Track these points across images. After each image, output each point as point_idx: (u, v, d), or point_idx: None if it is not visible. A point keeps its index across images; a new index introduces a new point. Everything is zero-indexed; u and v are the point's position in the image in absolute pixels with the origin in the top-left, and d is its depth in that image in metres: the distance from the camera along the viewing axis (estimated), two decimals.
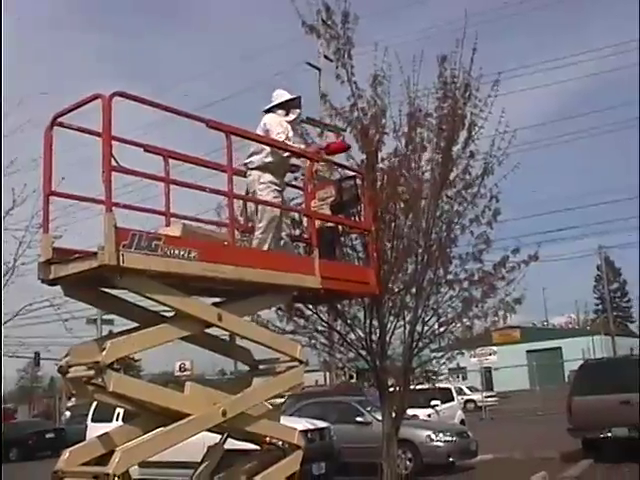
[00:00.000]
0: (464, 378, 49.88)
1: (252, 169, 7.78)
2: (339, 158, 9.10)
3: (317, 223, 8.00)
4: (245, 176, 8.00)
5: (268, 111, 8.13)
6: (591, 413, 15.70)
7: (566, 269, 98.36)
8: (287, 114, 8.13)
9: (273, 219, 7.62)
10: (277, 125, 7.85)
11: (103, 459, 6.06)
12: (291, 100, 8.18)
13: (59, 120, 6.42)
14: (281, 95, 8.19)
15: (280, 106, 8.11)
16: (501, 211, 10.03)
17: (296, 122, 8.57)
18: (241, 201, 8.20)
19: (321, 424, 15.36)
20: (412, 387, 10.83)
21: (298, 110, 8.29)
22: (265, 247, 7.52)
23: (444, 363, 10.93)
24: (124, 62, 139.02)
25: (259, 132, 7.93)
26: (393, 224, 9.81)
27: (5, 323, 14.22)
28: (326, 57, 23.94)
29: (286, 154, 7.80)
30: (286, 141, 7.80)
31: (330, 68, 13.14)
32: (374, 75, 9.94)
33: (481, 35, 9.93)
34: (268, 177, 7.73)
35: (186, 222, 7.36)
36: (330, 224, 8.68)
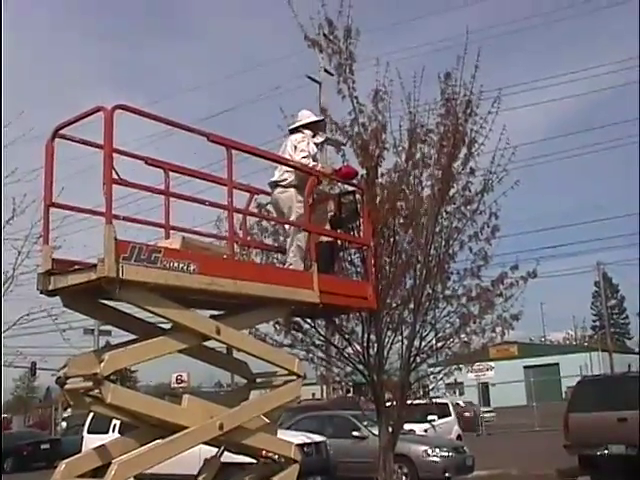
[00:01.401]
0: (461, 393, 49.80)
1: (286, 187, 7.92)
2: None
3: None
4: (271, 193, 8.24)
5: (293, 130, 8.47)
6: (588, 430, 15.66)
7: (564, 285, 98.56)
8: (314, 135, 8.51)
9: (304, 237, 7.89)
10: (306, 145, 8.18)
11: (99, 471, 6.05)
12: (316, 122, 8.58)
13: (60, 132, 6.45)
14: (307, 116, 8.59)
15: (306, 126, 8.45)
16: (500, 228, 10.06)
17: (323, 144, 9.00)
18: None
19: (317, 438, 15.34)
20: (409, 402, 10.81)
21: (325, 134, 8.82)
22: (301, 267, 7.73)
23: (441, 378, 10.92)
24: (124, 71, 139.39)
25: (286, 150, 8.20)
26: (392, 239, 9.83)
27: (3, 332, 14.20)
28: (327, 71, 24.12)
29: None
30: (310, 161, 8.11)
31: (331, 82, 13.23)
32: (375, 90, 9.98)
33: (482, 52, 9.98)
34: (300, 196, 7.94)
35: (185, 235, 7.38)
36: (329, 239, 8.71)
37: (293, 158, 8.10)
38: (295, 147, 8.18)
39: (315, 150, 8.36)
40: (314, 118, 8.68)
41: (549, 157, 76.13)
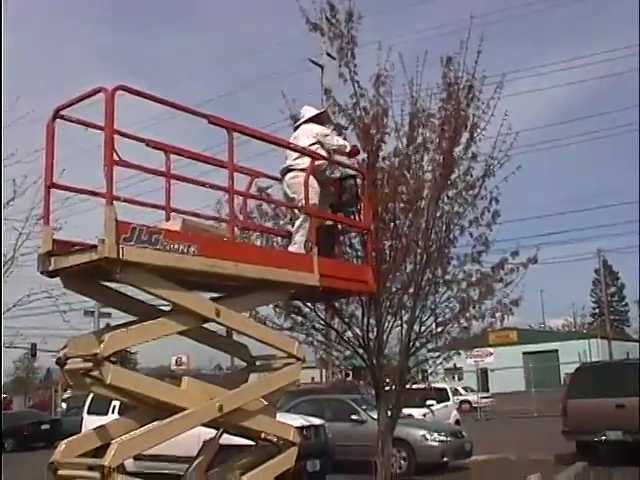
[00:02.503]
0: (460, 379, 49.97)
1: (299, 171, 8.01)
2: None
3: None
4: (282, 177, 8.34)
5: (298, 126, 8.77)
6: (586, 416, 15.75)
7: (564, 272, 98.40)
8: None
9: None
10: (325, 130, 8.68)
11: (99, 451, 6.09)
12: (320, 114, 8.90)
13: (61, 113, 6.44)
14: (310, 110, 8.89)
15: (311, 120, 8.70)
16: (501, 213, 10.05)
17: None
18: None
19: (316, 421, 15.38)
20: (408, 386, 10.84)
21: (331, 125, 9.24)
22: (303, 250, 7.78)
23: (440, 363, 10.95)
24: (124, 58, 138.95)
25: (301, 140, 8.37)
26: (393, 224, 9.82)
27: (3, 314, 14.23)
28: (329, 55, 24.02)
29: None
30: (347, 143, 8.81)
31: (333, 66, 13.18)
32: (377, 74, 9.95)
33: (485, 37, 9.93)
34: (313, 181, 8.03)
35: (186, 217, 7.37)
36: (329, 222, 8.73)
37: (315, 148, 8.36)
38: (326, 135, 8.55)
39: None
40: (316, 111, 8.88)
41: (551, 143, 76.06)
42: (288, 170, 8.23)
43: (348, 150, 8.82)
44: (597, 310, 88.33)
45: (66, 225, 10.31)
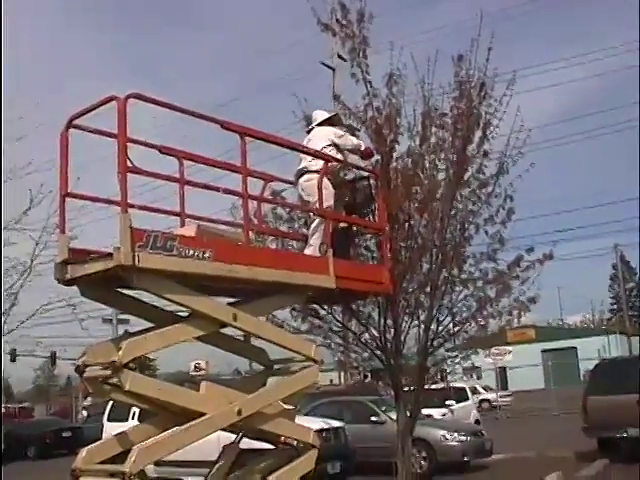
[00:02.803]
0: (479, 377, 49.75)
1: (313, 173, 8.04)
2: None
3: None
4: (297, 180, 8.39)
5: (311, 130, 8.84)
6: (606, 413, 15.64)
7: (582, 268, 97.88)
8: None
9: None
10: (339, 131, 8.70)
11: (119, 458, 6.11)
12: (332, 117, 8.98)
13: (75, 122, 6.47)
14: (322, 114, 8.96)
15: (324, 123, 8.76)
16: (515, 210, 10.01)
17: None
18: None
19: (336, 423, 15.40)
20: (427, 387, 10.82)
21: (343, 127, 9.21)
22: (319, 252, 7.76)
23: (459, 362, 10.92)
24: (137, 61, 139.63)
25: (315, 143, 8.41)
26: (407, 224, 9.81)
27: (22, 323, 14.34)
28: (340, 57, 24.08)
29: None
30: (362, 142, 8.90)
31: (344, 67, 13.20)
32: (389, 74, 9.94)
33: (496, 34, 9.90)
34: (328, 183, 8.07)
35: (201, 222, 7.40)
36: (344, 224, 8.73)
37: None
38: (340, 136, 8.59)
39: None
40: (327, 115, 8.94)
41: (565, 139, 75.67)
42: (302, 173, 8.25)
43: (363, 149, 8.84)
44: (615, 306, 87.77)
45: (82, 233, 10.36)
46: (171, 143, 7.37)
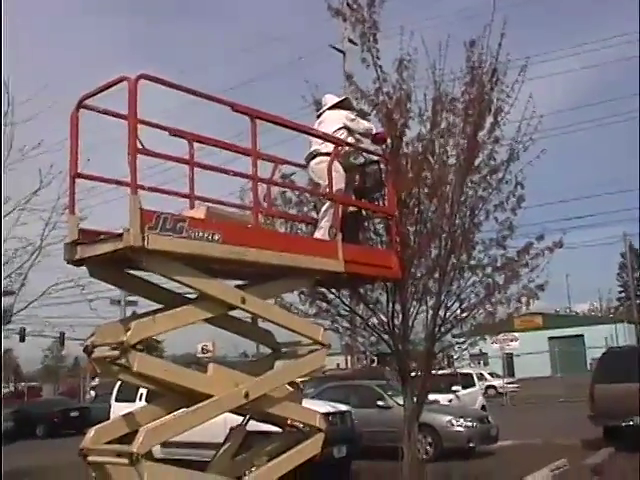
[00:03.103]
0: (485, 364, 49.80)
1: (324, 156, 8.02)
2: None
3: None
4: (307, 163, 8.41)
5: (321, 114, 8.87)
6: (613, 401, 15.65)
7: (590, 256, 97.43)
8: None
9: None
10: (350, 114, 8.71)
11: (127, 438, 6.14)
12: (343, 101, 8.99)
13: (85, 102, 6.46)
14: (333, 98, 9.00)
15: (335, 107, 8.79)
16: (525, 197, 9.97)
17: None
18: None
19: (342, 407, 15.43)
20: (434, 372, 10.82)
21: (355, 111, 9.15)
22: (327, 236, 7.76)
23: (466, 349, 10.91)
24: (146, 46, 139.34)
25: (329, 125, 8.44)
26: (417, 209, 9.78)
27: (31, 303, 14.41)
28: (350, 41, 23.97)
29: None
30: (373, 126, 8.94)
31: (354, 52, 13.13)
32: (400, 59, 9.88)
33: (509, 20, 9.82)
34: (338, 167, 8.09)
35: (210, 205, 7.39)
36: (354, 208, 8.72)
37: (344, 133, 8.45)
38: (352, 119, 8.62)
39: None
40: (337, 99, 8.96)
41: (576, 126, 75.24)
42: (313, 156, 8.24)
43: (374, 133, 8.83)
44: (623, 294, 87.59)
45: (91, 215, 10.37)
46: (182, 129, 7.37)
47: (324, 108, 8.87)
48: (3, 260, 13.26)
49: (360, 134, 8.69)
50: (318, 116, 8.90)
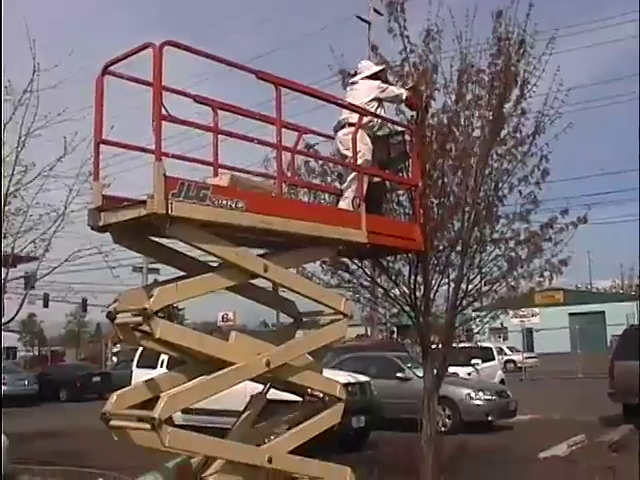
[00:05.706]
0: (505, 338, 49.75)
1: (353, 124, 7.98)
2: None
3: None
4: (336, 132, 8.38)
5: (355, 82, 8.80)
6: (633, 378, 15.58)
7: (612, 232, 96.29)
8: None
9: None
10: (382, 84, 8.70)
11: (148, 404, 6.20)
12: (379, 71, 8.95)
13: (110, 69, 6.45)
14: (368, 66, 8.98)
15: (370, 77, 8.75)
16: (550, 171, 9.87)
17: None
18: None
19: (362, 378, 15.50)
20: (454, 345, 10.80)
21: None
22: (351, 207, 7.75)
23: (487, 322, 10.88)
24: (169, 16, 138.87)
25: (361, 95, 8.46)
26: (441, 181, 9.71)
27: (55, 269, 14.51)
28: (376, 11, 23.76)
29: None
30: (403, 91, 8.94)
31: (379, 23, 12.99)
32: (427, 30, 9.76)
33: None
34: (366, 137, 8.11)
35: (234, 173, 7.38)
36: (377, 179, 8.67)
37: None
38: (384, 89, 8.62)
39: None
40: (377, 68, 8.97)
41: (605, 100, 74.23)
42: (343, 125, 8.20)
43: (405, 98, 8.87)
44: None
45: (115, 182, 10.39)
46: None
47: (360, 76, 8.81)
48: (27, 226, 13.35)
49: (390, 100, 8.71)
50: (352, 83, 8.86)
